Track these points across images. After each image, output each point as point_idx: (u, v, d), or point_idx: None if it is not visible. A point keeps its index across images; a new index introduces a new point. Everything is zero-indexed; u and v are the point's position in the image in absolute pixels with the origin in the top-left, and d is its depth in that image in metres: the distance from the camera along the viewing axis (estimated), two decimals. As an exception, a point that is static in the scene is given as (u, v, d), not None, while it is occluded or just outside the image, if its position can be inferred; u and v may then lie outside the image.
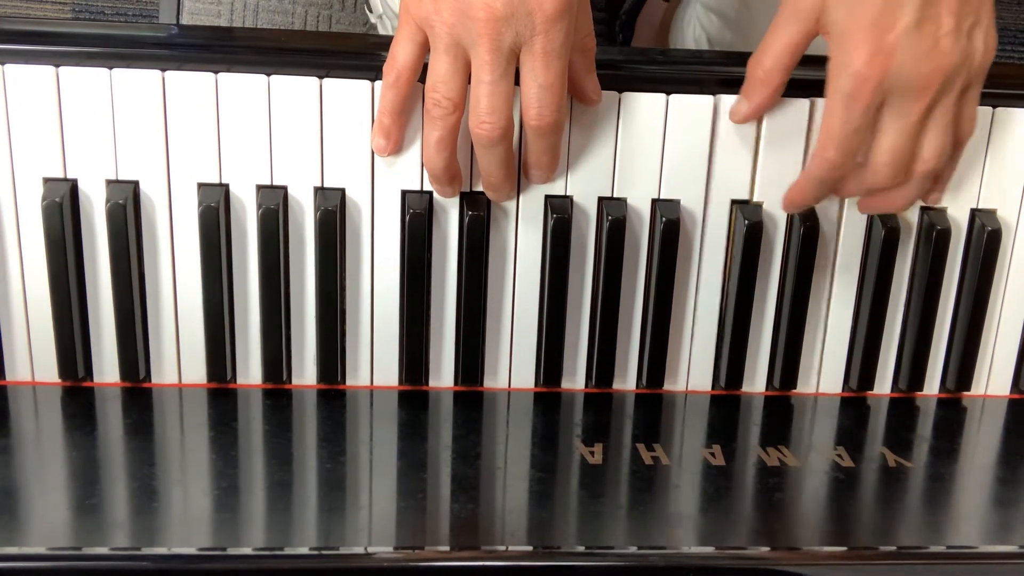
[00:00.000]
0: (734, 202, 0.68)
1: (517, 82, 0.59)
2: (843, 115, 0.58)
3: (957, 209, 0.70)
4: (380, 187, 0.66)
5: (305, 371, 0.69)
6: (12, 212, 0.65)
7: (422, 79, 0.61)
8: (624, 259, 0.67)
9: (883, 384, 0.72)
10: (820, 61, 0.61)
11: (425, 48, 0.59)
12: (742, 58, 0.64)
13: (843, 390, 0.72)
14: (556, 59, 0.57)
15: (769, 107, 0.64)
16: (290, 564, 0.52)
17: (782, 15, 0.60)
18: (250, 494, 0.57)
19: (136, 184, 0.65)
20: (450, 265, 0.67)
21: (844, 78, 0.57)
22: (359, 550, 0.53)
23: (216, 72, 0.63)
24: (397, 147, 0.64)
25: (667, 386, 0.71)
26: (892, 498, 0.60)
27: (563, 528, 0.55)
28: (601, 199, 0.67)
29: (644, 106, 0.65)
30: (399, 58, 0.60)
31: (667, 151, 0.66)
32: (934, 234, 0.69)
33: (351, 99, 0.64)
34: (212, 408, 0.66)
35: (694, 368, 0.71)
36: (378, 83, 0.63)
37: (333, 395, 0.68)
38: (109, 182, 0.65)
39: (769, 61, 0.61)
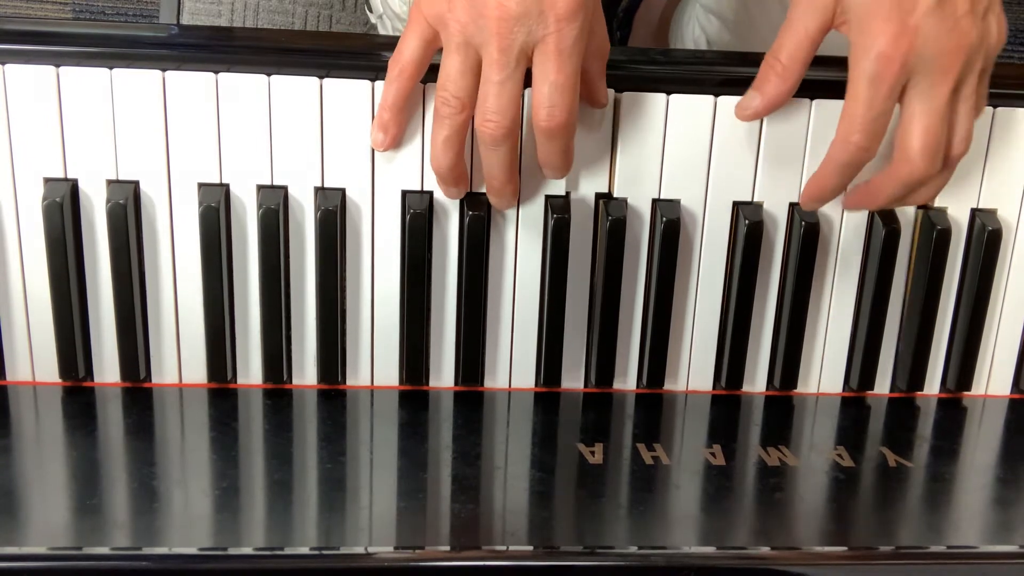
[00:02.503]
0: (735, 202, 0.68)
1: (527, 84, 0.59)
2: (867, 97, 0.58)
3: (957, 209, 0.70)
4: (380, 187, 0.66)
5: (305, 371, 0.69)
6: (12, 212, 0.65)
7: (425, 79, 0.61)
8: (624, 259, 0.67)
9: (883, 384, 0.72)
10: (820, 61, 0.61)
11: (433, 46, 0.59)
12: (742, 58, 0.64)
13: (843, 390, 0.73)
14: (569, 59, 0.57)
15: (782, 103, 0.63)
16: (290, 564, 0.52)
17: (797, 9, 0.60)
18: (250, 494, 0.57)
19: (136, 184, 0.65)
20: (450, 265, 0.67)
21: (868, 61, 0.57)
22: (359, 550, 0.53)
23: (216, 72, 0.63)
24: (394, 143, 0.64)
25: (667, 386, 0.71)
26: (892, 498, 0.60)
27: (563, 528, 0.55)
28: (601, 199, 0.67)
29: (645, 106, 0.65)
30: (405, 53, 0.60)
31: (667, 151, 0.66)
32: (934, 234, 0.69)
33: (351, 99, 0.64)
34: (212, 408, 0.66)
35: (694, 368, 0.71)
36: (378, 83, 0.63)
37: (333, 395, 0.68)
38: (109, 182, 0.65)
39: (787, 55, 0.61)
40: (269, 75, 0.63)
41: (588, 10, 0.57)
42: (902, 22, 0.56)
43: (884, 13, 0.57)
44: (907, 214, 0.69)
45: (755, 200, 0.68)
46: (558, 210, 0.66)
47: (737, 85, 0.64)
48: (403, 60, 0.60)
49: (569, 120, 0.59)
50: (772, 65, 0.62)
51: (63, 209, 0.63)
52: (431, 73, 0.61)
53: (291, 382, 0.69)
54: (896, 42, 0.57)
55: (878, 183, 0.62)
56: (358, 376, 0.69)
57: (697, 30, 0.97)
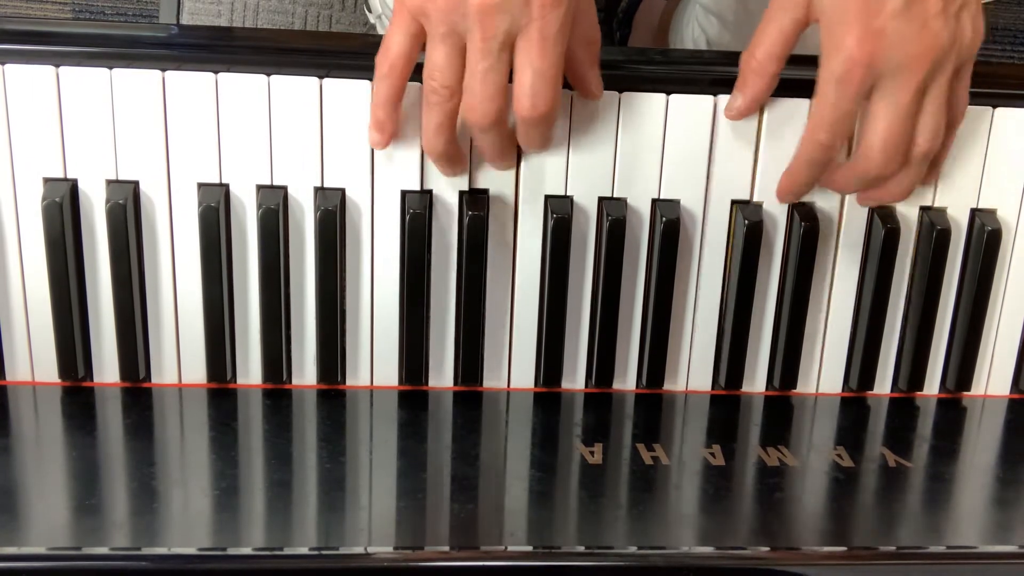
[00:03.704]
0: (734, 202, 0.68)
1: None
2: (834, 98, 0.58)
3: (957, 209, 0.70)
4: (380, 187, 0.66)
5: (305, 371, 0.69)
6: (12, 212, 0.65)
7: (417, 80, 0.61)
8: (624, 259, 0.67)
9: (883, 384, 0.72)
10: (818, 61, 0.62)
11: (419, 40, 0.59)
12: (742, 58, 0.64)
13: (843, 390, 0.72)
14: (552, 46, 0.56)
15: (763, 100, 0.64)
16: (290, 564, 0.52)
17: (773, 6, 0.61)
18: (250, 494, 0.57)
19: (136, 184, 0.65)
20: (450, 265, 0.67)
21: (835, 61, 0.58)
22: (359, 550, 0.53)
23: (216, 72, 0.63)
24: (391, 139, 0.63)
25: (667, 386, 0.71)
26: (892, 498, 0.60)
27: (563, 528, 0.55)
28: (601, 199, 0.67)
29: (644, 106, 0.65)
30: (392, 49, 0.59)
31: (667, 151, 0.66)
32: (934, 234, 0.69)
33: (351, 99, 0.64)
34: (212, 408, 0.66)
35: (694, 368, 0.71)
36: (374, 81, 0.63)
37: (333, 395, 0.68)
38: (109, 182, 0.65)
39: (762, 52, 0.61)
40: (269, 75, 0.63)
41: None
42: (869, 23, 0.56)
43: (852, 13, 0.57)
44: (907, 214, 0.69)
45: (755, 200, 0.68)
46: (558, 210, 0.66)
47: (737, 85, 0.64)
48: (391, 56, 0.60)
49: (551, 109, 0.58)
50: (748, 63, 0.62)
51: (63, 209, 0.63)
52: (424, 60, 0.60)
53: (291, 382, 0.69)
54: (861, 44, 0.57)
55: (840, 173, 0.63)
56: (358, 376, 0.69)
57: (697, 30, 0.97)
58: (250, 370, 0.69)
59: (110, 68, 0.63)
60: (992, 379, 0.73)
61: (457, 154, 0.63)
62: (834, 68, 0.58)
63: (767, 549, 0.54)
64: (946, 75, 0.59)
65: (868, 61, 0.57)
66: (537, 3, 0.55)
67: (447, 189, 0.66)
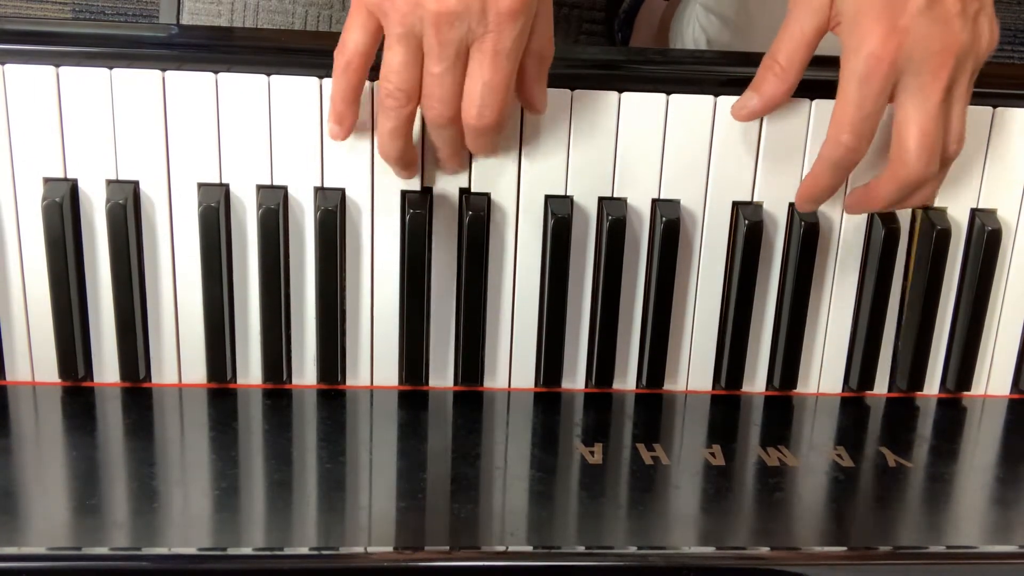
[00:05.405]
0: (734, 202, 0.68)
1: None
2: (857, 97, 0.58)
3: (957, 209, 0.70)
4: (380, 187, 0.66)
5: (305, 371, 0.69)
6: (12, 212, 0.65)
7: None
8: (624, 259, 0.67)
9: (883, 384, 0.72)
10: (820, 61, 0.62)
11: (377, 36, 0.58)
12: (742, 58, 0.64)
13: (843, 390, 0.73)
14: (505, 59, 0.56)
15: (779, 104, 0.63)
16: (290, 564, 0.52)
17: (795, 10, 0.60)
18: (250, 494, 0.57)
19: (136, 184, 0.65)
20: (450, 265, 0.67)
21: (858, 60, 0.57)
22: (359, 550, 0.53)
23: (216, 72, 0.63)
24: (351, 132, 0.63)
25: (667, 386, 0.71)
26: (892, 498, 0.60)
27: (563, 528, 0.55)
28: (601, 199, 0.67)
29: (644, 106, 0.65)
30: (349, 45, 0.59)
31: (667, 151, 0.66)
32: (934, 234, 0.69)
33: (351, 99, 0.64)
34: (212, 408, 0.66)
35: (694, 368, 0.71)
36: (377, 83, 0.63)
37: (333, 395, 0.68)
38: (109, 182, 0.65)
39: (784, 57, 0.61)
40: (269, 75, 0.63)
41: (531, 11, 0.56)
42: (892, 22, 0.57)
43: (874, 14, 0.57)
44: (907, 214, 0.69)
45: (755, 200, 0.68)
46: (558, 210, 0.66)
47: (737, 85, 0.64)
48: (348, 53, 0.59)
49: (499, 120, 0.58)
50: (770, 67, 0.62)
51: (63, 209, 0.63)
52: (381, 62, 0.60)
53: (291, 382, 0.69)
54: (885, 42, 0.57)
55: (876, 186, 0.62)
56: (358, 376, 0.69)
57: (697, 30, 0.97)
58: (250, 370, 0.69)
59: (110, 68, 0.63)
60: (992, 379, 0.73)
61: (414, 158, 0.63)
62: (857, 67, 0.57)
63: (767, 549, 0.54)
64: (967, 76, 0.59)
65: (892, 59, 0.57)
66: (494, 15, 0.54)
67: (447, 189, 0.66)
